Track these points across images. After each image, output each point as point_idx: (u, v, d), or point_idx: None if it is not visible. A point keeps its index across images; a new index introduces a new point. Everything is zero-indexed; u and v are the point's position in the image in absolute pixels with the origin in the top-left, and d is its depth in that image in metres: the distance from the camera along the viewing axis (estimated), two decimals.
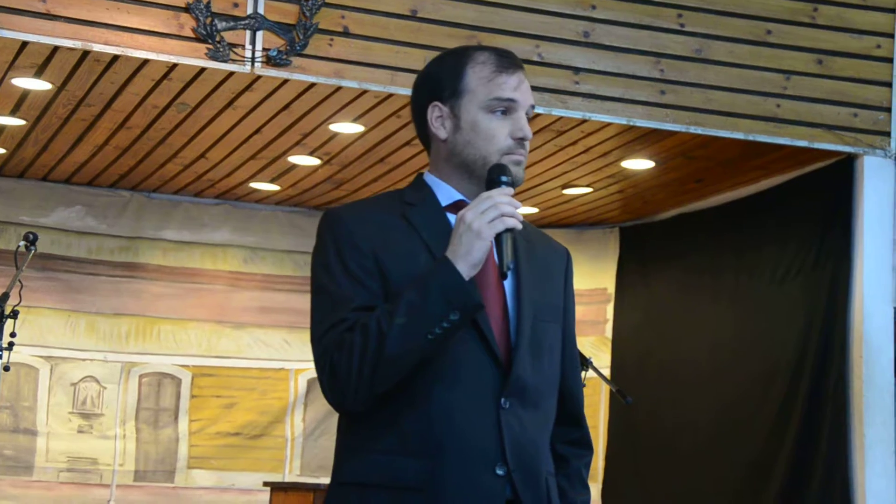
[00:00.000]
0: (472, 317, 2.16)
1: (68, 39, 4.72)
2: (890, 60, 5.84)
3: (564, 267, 2.45)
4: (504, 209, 2.15)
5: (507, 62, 2.33)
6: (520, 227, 2.18)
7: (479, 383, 2.21)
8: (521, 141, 2.29)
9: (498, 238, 2.15)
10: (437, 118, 2.33)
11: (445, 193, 2.32)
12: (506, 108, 2.30)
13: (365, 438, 2.24)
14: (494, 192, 2.19)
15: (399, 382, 2.17)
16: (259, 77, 5.04)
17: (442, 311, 2.13)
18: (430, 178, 2.36)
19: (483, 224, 2.14)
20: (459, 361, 2.20)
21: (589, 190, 6.89)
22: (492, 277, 2.27)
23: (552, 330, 2.35)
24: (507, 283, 2.29)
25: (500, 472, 2.18)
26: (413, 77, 5.41)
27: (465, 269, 2.14)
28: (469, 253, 2.14)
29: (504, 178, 2.22)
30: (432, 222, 2.25)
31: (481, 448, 2.18)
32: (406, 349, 2.14)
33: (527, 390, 2.25)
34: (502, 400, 2.21)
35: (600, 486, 7.30)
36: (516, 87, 2.32)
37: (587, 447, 2.46)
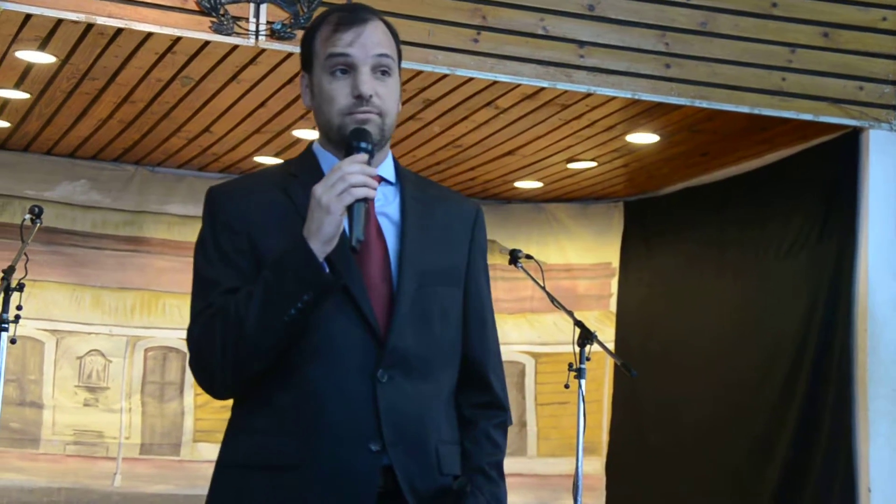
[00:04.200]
0: (327, 295, 2.10)
1: (72, 12, 4.71)
2: (895, 33, 5.82)
3: (471, 226, 2.35)
4: (352, 179, 2.07)
5: (348, 17, 2.22)
6: (373, 195, 2.10)
7: (353, 357, 2.15)
8: (359, 99, 2.18)
9: (349, 210, 2.07)
10: (305, 87, 2.29)
11: (328, 162, 2.25)
12: (343, 65, 2.20)
13: (243, 419, 2.22)
14: (346, 161, 2.11)
15: (271, 362, 2.13)
16: (263, 50, 5.03)
17: (296, 290, 2.07)
18: (317, 148, 2.31)
19: (332, 198, 2.06)
20: (332, 335, 2.15)
21: (593, 164, 6.88)
22: (372, 244, 2.20)
23: (447, 294, 2.27)
24: (392, 249, 2.22)
25: (374, 447, 2.13)
26: (418, 51, 5.38)
27: (318, 246, 2.08)
28: (320, 229, 2.07)
29: (362, 144, 2.14)
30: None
31: (353, 425, 2.13)
32: (264, 331, 2.09)
33: (409, 360, 2.18)
34: (379, 372, 2.15)
35: (604, 459, 7.33)
36: (351, 41, 2.20)
37: (498, 408, 2.35)
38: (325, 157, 2.27)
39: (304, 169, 2.26)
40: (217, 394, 2.22)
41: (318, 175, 2.19)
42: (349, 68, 2.20)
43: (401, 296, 2.19)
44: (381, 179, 2.27)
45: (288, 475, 2.13)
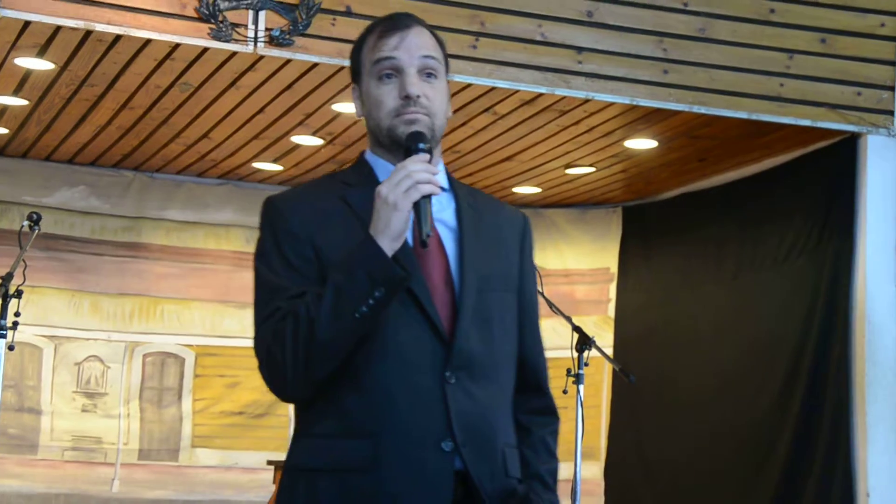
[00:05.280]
0: (397, 291, 2.12)
1: (71, 19, 4.71)
2: (893, 39, 5.83)
3: (521, 234, 2.39)
4: (417, 177, 2.11)
5: (391, 24, 2.27)
6: (438, 192, 2.13)
7: (420, 358, 2.16)
8: (406, 100, 2.22)
9: (416, 207, 2.11)
10: (356, 98, 2.33)
11: (383, 170, 2.27)
12: (390, 69, 2.24)
13: (310, 422, 2.22)
14: (408, 160, 2.15)
15: (341, 362, 2.14)
16: (262, 57, 5.04)
17: (366, 288, 2.09)
18: (370, 156, 2.34)
19: (398, 195, 2.10)
20: (399, 337, 2.16)
21: (592, 169, 6.88)
22: (432, 249, 2.23)
23: (504, 299, 2.30)
24: (451, 254, 2.25)
25: (446, 447, 2.14)
26: None
27: (387, 243, 2.10)
28: (388, 227, 2.10)
29: (420, 145, 2.18)
30: (370, 201, 2.15)
31: (425, 424, 2.14)
32: (336, 330, 2.11)
33: (474, 362, 2.20)
34: (447, 374, 2.17)
35: (603, 463, 7.33)
36: (396, 45, 2.24)
37: (551, 415, 2.39)
38: (378, 164, 2.31)
39: (359, 177, 2.29)
40: (289, 396, 2.22)
41: (374, 182, 2.21)
42: (395, 72, 2.24)
43: (464, 299, 2.21)
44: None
45: (359, 478, 2.13)
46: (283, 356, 2.15)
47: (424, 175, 2.12)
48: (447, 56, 2.33)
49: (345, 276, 2.12)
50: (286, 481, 2.23)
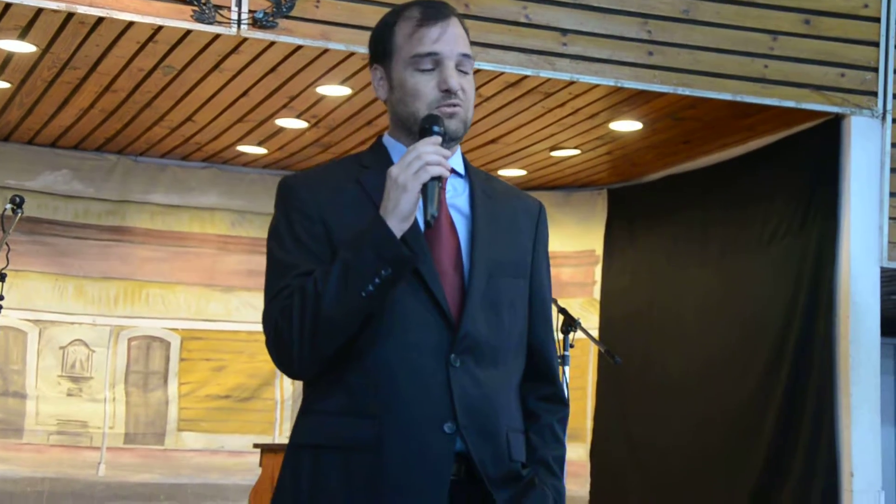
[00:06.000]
0: (404, 272, 2.14)
1: (52, 1, 4.69)
2: (877, 20, 5.83)
3: (535, 221, 2.41)
4: (428, 158, 2.13)
5: (431, 13, 2.28)
6: (447, 174, 2.16)
7: (425, 340, 2.19)
8: (447, 93, 2.25)
9: (424, 189, 2.13)
10: (379, 80, 2.33)
11: (399, 153, 2.29)
12: (430, 61, 2.26)
13: (316, 400, 2.25)
14: (420, 142, 2.17)
15: (346, 343, 2.17)
16: (245, 39, 5.02)
17: (373, 266, 2.11)
18: (387, 140, 2.36)
19: (408, 176, 2.12)
20: (406, 319, 2.19)
21: (577, 152, 6.89)
22: (444, 233, 2.25)
23: (515, 285, 2.31)
24: (463, 239, 2.27)
25: (448, 429, 2.16)
26: None
27: (395, 223, 2.13)
28: (396, 207, 2.12)
29: (435, 128, 2.20)
30: (384, 183, 2.18)
31: (427, 407, 2.16)
32: (343, 308, 2.13)
33: (480, 347, 2.22)
34: (452, 356, 2.19)
35: (588, 445, 7.35)
36: (438, 38, 2.26)
37: (560, 402, 2.41)
38: (395, 147, 2.32)
39: (376, 160, 2.31)
40: (295, 373, 2.24)
41: (389, 164, 2.23)
42: (436, 64, 2.26)
43: (473, 284, 2.23)
44: (452, 171, 2.30)
45: (362, 456, 2.16)
46: (289, 332, 2.17)
47: (435, 157, 2.14)
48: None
49: (353, 254, 2.14)
50: (290, 457, 2.26)
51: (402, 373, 2.17)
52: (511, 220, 2.36)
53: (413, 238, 2.16)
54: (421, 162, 2.13)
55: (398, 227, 2.13)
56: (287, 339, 2.18)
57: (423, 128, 2.21)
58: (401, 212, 2.12)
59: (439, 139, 2.19)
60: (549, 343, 2.41)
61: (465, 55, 2.28)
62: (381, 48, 2.33)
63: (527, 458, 2.31)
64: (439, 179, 2.14)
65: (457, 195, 2.32)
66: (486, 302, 2.25)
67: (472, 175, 2.37)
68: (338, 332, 2.15)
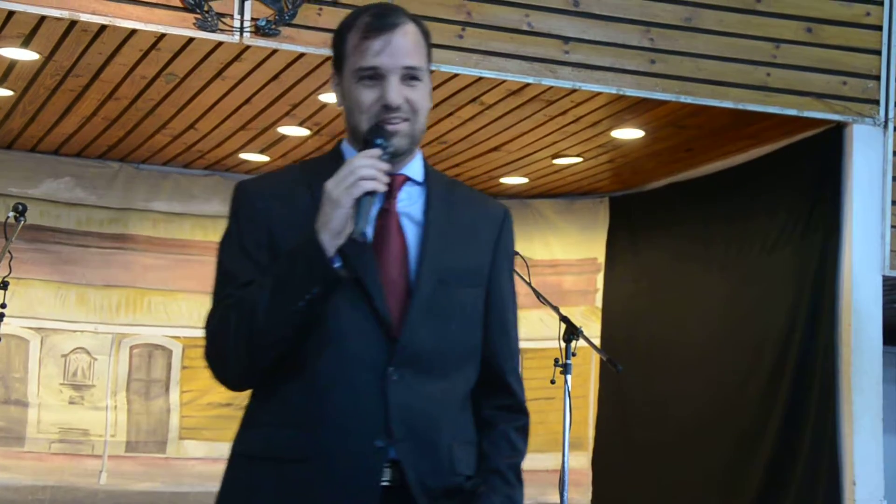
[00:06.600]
0: (334, 289, 2.11)
1: (55, 9, 4.70)
2: (879, 28, 5.84)
3: (498, 228, 2.34)
4: (362, 172, 2.09)
5: (376, 24, 2.21)
6: (382, 189, 2.11)
7: (363, 352, 2.16)
8: (387, 108, 2.19)
9: (358, 204, 2.09)
10: (336, 86, 2.30)
11: None
12: (373, 75, 2.20)
13: (256, 409, 2.25)
14: (357, 156, 2.14)
15: (283, 355, 2.15)
16: (248, 47, 5.03)
17: (304, 283, 2.09)
18: (345, 146, 2.32)
19: (341, 191, 2.09)
20: (344, 330, 2.16)
21: (579, 160, 6.89)
22: (392, 242, 2.22)
23: (468, 294, 2.27)
24: (413, 247, 2.23)
25: (379, 443, 2.14)
26: None
27: (328, 239, 2.09)
28: (329, 223, 2.09)
29: (378, 141, 2.16)
30: None
31: (360, 420, 2.14)
32: (274, 323, 2.12)
33: (423, 358, 2.19)
34: (390, 370, 2.16)
35: (590, 454, 7.35)
36: (380, 51, 2.19)
37: (518, 411, 2.34)
38: (350, 155, 2.28)
39: (330, 167, 2.23)
40: (230, 384, 2.25)
41: None
42: (378, 78, 2.20)
43: (417, 293, 2.20)
44: (406, 179, 2.29)
45: (294, 467, 2.15)
46: (224, 344, 2.18)
47: (369, 171, 2.10)
48: (431, 47, 2.30)
49: (285, 269, 2.13)
50: (229, 466, 2.27)
51: (338, 386, 2.15)
52: (469, 227, 2.31)
53: (359, 249, 2.13)
54: (354, 177, 2.09)
55: (331, 243, 2.09)
56: (223, 352, 2.19)
57: (365, 140, 2.18)
58: (333, 228, 2.09)
59: (378, 152, 2.14)
60: (504, 353, 2.34)
61: (411, 67, 2.21)
62: (336, 55, 2.29)
63: (479, 467, 2.26)
64: (373, 194, 2.11)
65: (411, 203, 2.28)
66: (433, 311, 2.21)
67: (432, 181, 2.32)
68: (271, 345, 2.15)
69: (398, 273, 2.21)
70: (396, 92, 2.19)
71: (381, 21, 2.22)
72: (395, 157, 2.21)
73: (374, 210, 2.17)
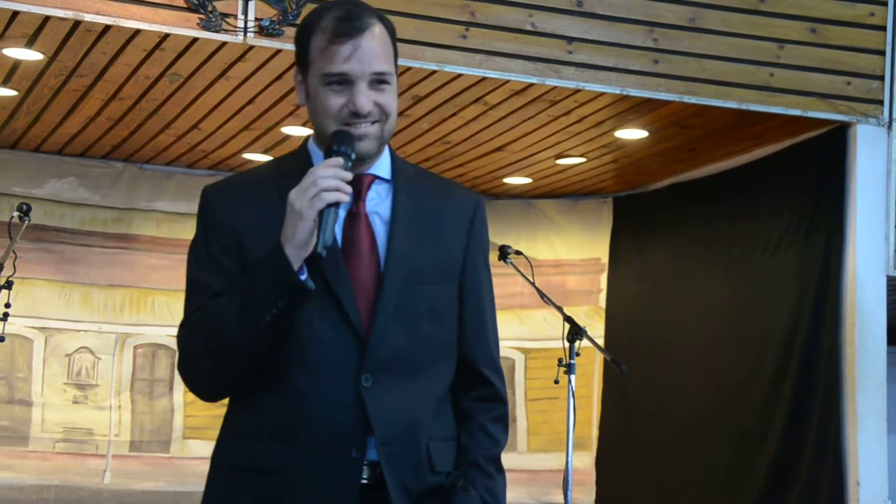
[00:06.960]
0: (301, 301, 2.09)
1: (59, 9, 4.70)
2: (883, 28, 5.83)
3: (470, 218, 2.31)
4: (324, 184, 2.05)
5: (344, 28, 2.16)
6: (345, 199, 2.07)
7: (337, 361, 2.15)
8: (356, 115, 2.16)
9: (321, 215, 2.06)
10: (299, 84, 2.26)
11: (319, 162, 2.21)
12: (341, 81, 2.17)
13: (234, 418, 2.24)
14: (320, 165, 2.10)
15: (255, 366, 2.14)
16: (252, 47, 5.03)
17: (270, 297, 2.07)
18: (311, 146, 2.29)
19: (303, 203, 2.05)
20: (317, 339, 2.15)
21: (582, 160, 6.89)
22: (362, 246, 2.20)
23: (438, 291, 2.25)
24: (382, 249, 2.20)
25: (355, 454, 2.13)
26: (407, 47, 5.38)
27: (293, 251, 2.07)
28: (294, 235, 2.06)
29: (342, 149, 2.13)
30: None
31: (336, 430, 2.13)
32: (243, 336, 2.10)
33: (395, 361, 2.17)
34: (363, 376, 2.14)
35: (594, 454, 7.34)
36: (349, 56, 2.15)
37: (496, 400, 2.32)
38: (317, 155, 2.26)
39: (298, 167, 2.21)
40: (203, 396, 2.25)
41: None
42: (346, 83, 2.17)
43: (384, 297, 2.18)
44: (374, 178, 2.27)
45: (272, 479, 2.15)
46: (195, 358, 2.17)
47: (331, 182, 2.06)
48: (397, 47, 2.26)
49: (251, 283, 2.11)
50: (209, 475, 2.26)
51: (312, 396, 2.14)
52: (438, 220, 2.28)
53: (329, 256, 2.09)
54: (316, 188, 2.05)
55: (296, 255, 2.07)
56: (194, 365, 2.19)
57: (328, 147, 2.15)
58: (298, 240, 2.06)
59: (341, 161, 2.11)
60: (479, 344, 2.32)
61: (380, 73, 2.17)
62: (299, 54, 2.25)
63: (458, 461, 2.26)
64: (337, 206, 2.07)
65: (380, 201, 2.26)
66: (402, 311, 2.19)
67: (400, 177, 2.29)
68: (241, 359, 2.14)
69: (369, 275, 2.19)
70: (365, 98, 2.17)
71: (349, 25, 2.17)
72: (362, 160, 2.19)
73: (342, 213, 2.14)
